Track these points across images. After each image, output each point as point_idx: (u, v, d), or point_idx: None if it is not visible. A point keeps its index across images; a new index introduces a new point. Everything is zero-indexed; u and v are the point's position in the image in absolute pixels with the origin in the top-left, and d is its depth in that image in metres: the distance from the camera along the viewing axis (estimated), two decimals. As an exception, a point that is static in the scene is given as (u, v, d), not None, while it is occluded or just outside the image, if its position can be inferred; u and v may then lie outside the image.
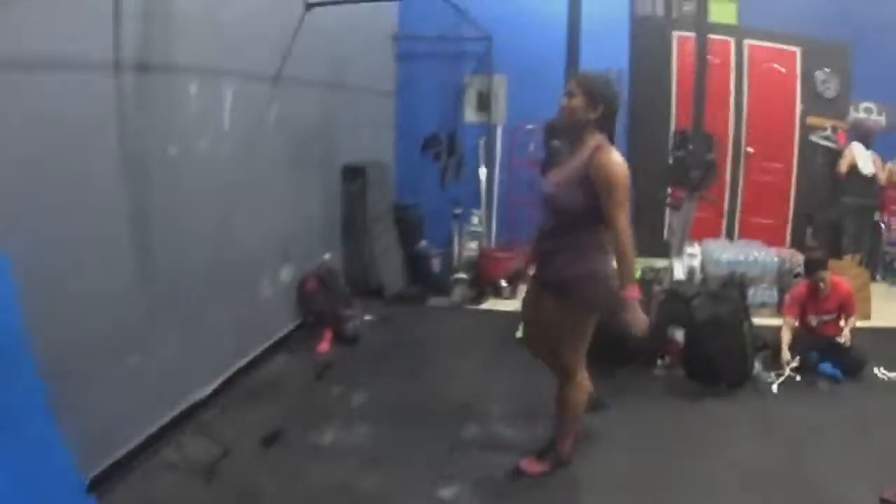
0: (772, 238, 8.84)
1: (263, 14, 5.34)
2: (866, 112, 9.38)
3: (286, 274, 6.11)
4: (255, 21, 5.21)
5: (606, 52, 8.07)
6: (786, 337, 5.81)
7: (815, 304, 5.91)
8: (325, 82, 6.73)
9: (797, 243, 9.13)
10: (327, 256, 6.76)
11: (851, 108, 9.43)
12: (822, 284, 5.82)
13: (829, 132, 9.35)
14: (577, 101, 3.64)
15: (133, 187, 3.96)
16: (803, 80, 9.46)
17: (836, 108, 9.45)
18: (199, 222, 4.66)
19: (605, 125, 3.69)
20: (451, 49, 7.43)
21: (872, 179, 8.73)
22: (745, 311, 5.71)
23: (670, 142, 8.21)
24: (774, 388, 5.44)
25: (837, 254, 8.36)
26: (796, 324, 5.96)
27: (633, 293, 3.57)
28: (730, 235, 9.44)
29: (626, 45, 8.83)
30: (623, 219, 3.51)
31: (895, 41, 9.07)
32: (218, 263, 4.93)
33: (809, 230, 9.33)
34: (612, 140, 3.69)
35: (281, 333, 6.07)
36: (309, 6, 5.84)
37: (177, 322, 4.46)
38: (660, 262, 7.49)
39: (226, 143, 4.91)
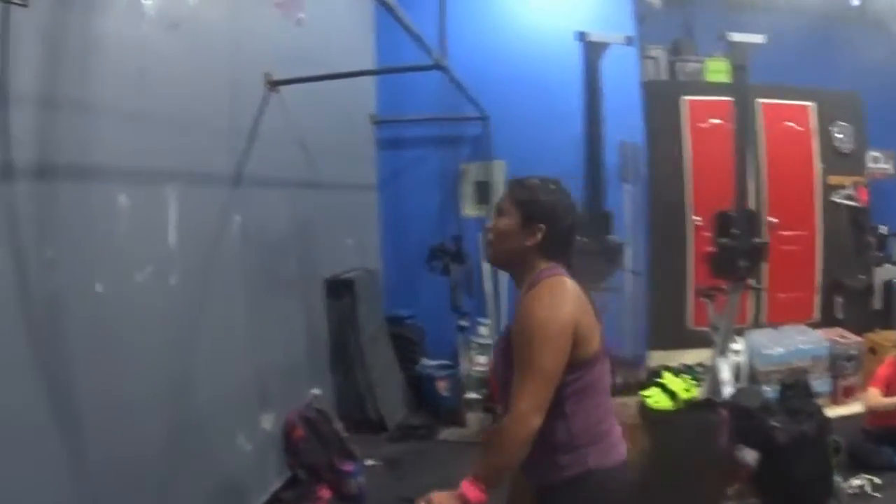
0: (799, 313, 8.31)
1: (215, 97, 4.21)
2: (874, 161, 8.99)
3: (267, 421, 4.93)
4: (205, 107, 4.08)
5: (619, 126, 7.08)
6: (886, 399, 5.34)
7: None
8: (296, 179, 5.65)
9: (826, 316, 8.53)
10: (316, 392, 5.52)
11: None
12: None
13: (850, 190, 8.75)
14: (507, 223, 2.48)
15: (42, 345, 2.77)
16: (820, 137, 8.79)
17: (853, 162, 8.87)
18: (145, 377, 3.49)
19: (555, 250, 2.47)
20: (441, 133, 6.41)
21: None
22: (828, 424, 4.94)
23: (688, 221, 7.94)
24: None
25: (868, 324, 7.80)
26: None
27: (474, 496, 2.30)
28: (757, 318, 8.49)
29: (639, 117, 7.86)
30: (526, 400, 2.26)
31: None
32: (178, 425, 3.79)
33: (839, 300, 8.64)
34: (570, 267, 2.48)
35: (266, 495, 4.89)
36: (273, 85, 4.73)
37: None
38: (687, 355, 7.00)
39: (174, 269, 3.71)
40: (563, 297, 2.34)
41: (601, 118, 6.34)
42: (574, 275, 2.46)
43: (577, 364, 2.35)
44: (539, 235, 2.43)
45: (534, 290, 2.38)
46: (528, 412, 2.23)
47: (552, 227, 2.44)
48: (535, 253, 2.45)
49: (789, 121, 8.75)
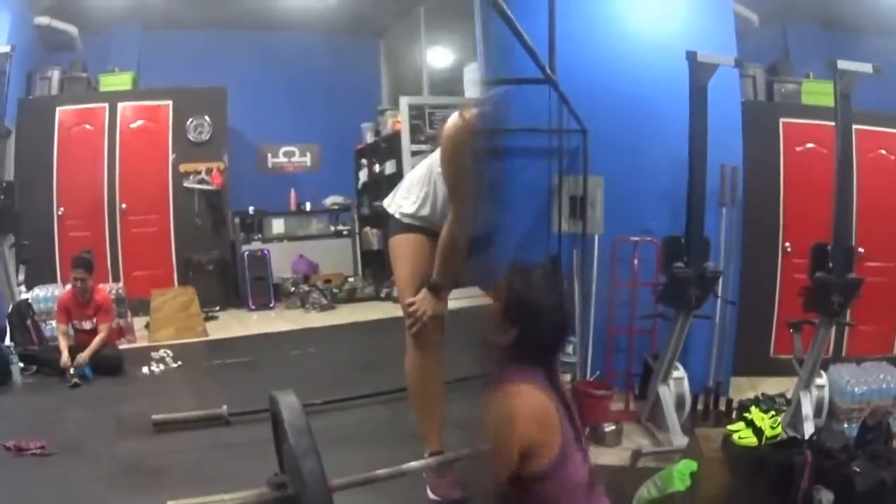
0: (879, 346, 8.34)
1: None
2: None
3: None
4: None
5: (718, 147, 6.80)
6: None
7: None
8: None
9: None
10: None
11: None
12: None
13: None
14: (493, 308, 2.30)
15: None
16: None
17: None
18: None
19: (530, 356, 2.27)
20: (535, 144, 6.24)
21: None
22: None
23: (779, 246, 8.12)
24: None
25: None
26: None
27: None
28: (839, 350, 8.41)
29: (738, 138, 7.58)
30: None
31: None
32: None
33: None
34: (554, 383, 2.29)
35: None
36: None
37: None
38: (767, 383, 7.05)
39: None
40: (516, 413, 2.14)
41: (707, 141, 6.14)
42: (553, 380, 2.25)
43: (525, 480, 2.16)
44: (512, 334, 2.25)
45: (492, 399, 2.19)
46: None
47: (528, 328, 2.25)
48: (506, 353, 2.26)
49: (883, 148, 8.55)
